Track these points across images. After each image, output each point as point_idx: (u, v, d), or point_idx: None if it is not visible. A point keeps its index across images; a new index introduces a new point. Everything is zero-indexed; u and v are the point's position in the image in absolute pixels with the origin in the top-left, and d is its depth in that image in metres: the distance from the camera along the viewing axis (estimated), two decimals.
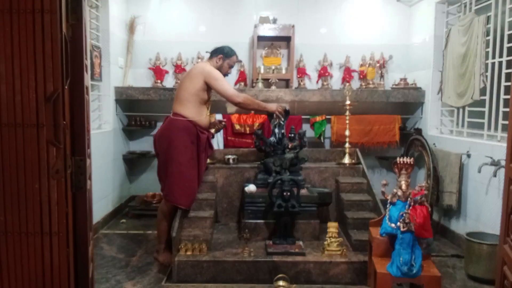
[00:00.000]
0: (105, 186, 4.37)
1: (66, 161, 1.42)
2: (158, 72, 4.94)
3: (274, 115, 3.61)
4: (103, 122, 4.53)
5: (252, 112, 4.81)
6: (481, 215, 3.52)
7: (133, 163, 5.15)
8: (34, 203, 1.38)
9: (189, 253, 3.06)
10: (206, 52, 3.57)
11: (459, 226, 3.85)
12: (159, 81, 4.92)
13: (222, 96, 3.39)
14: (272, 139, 3.69)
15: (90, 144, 1.68)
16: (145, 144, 5.14)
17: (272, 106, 3.57)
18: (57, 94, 1.33)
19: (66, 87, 1.39)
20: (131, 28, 4.95)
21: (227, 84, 3.37)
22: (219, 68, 3.39)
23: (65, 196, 1.44)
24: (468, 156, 3.71)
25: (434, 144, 4.28)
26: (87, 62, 1.61)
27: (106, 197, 4.40)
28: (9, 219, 1.40)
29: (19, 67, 1.28)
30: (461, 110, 4.09)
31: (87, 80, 1.60)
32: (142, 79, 5.07)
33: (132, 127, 4.93)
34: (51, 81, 1.31)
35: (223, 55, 3.42)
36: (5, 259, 1.43)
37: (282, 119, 3.62)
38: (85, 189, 1.57)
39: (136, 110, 5.06)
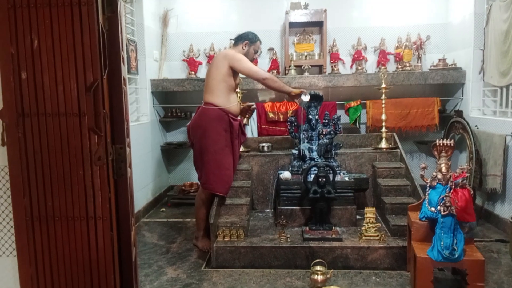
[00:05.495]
0: (144, 176, 4.51)
1: (107, 148, 1.48)
2: (191, 63, 5.01)
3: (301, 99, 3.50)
4: (141, 114, 4.66)
5: (279, 98, 4.80)
6: None
7: (170, 154, 5.27)
8: (79, 188, 1.46)
9: (227, 239, 3.12)
10: (230, 39, 3.57)
11: (504, 210, 3.70)
12: (193, 72, 4.99)
13: (248, 76, 3.43)
14: (306, 126, 3.68)
15: (129, 134, 1.74)
16: (181, 135, 5.25)
17: (295, 90, 3.49)
18: (97, 83, 1.38)
19: (104, 77, 1.44)
20: (164, 21, 5.03)
21: (251, 63, 3.39)
22: (246, 54, 3.40)
23: (107, 182, 1.51)
24: None
25: (476, 126, 4.11)
26: (124, 54, 1.66)
27: (146, 187, 4.54)
28: (56, 204, 1.48)
29: (60, 58, 1.35)
30: (504, 89, 3.91)
31: (124, 71, 1.65)
32: (176, 71, 5.16)
33: (169, 118, 5.04)
34: (91, 71, 1.37)
35: (248, 41, 3.44)
36: (53, 243, 1.52)
37: (297, 103, 3.51)
38: (126, 176, 1.63)
39: (172, 101, 5.16)
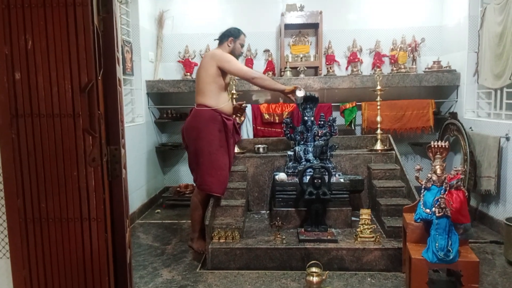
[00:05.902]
0: (139, 177, 4.49)
1: (101, 149, 1.47)
2: (187, 64, 5.00)
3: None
4: (136, 115, 4.64)
5: (274, 99, 4.80)
6: None
7: (165, 155, 5.26)
8: (73, 190, 1.45)
9: (222, 240, 3.12)
10: (215, 40, 3.55)
11: (498, 212, 3.72)
12: (188, 73, 4.99)
13: (238, 76, 3.44)
14: (301, 127, 3.68)
15: (124, 135, 1.73)
16: (176, 136, 5.24)
17: (288, 88, 3.49)
18: (91, 84, 1.37)
19: (99, 78, 1.44)
20: (160, 22, 5.02)
21: (240, 63, 3.40)
22: (233, 51, 3.41)
23: (102, 184, 1.50)
24: (507, 139, 3.56)
25: (470, 128, 4.13)
26: (119, 55, 1.65)
27: (141, 188, 4.52)
28: (50, 206, 1.47)
29: (54, 59, 1.34)
30: (498, 91, 3.93)
31: (119, 72, 1.64)
32: (172, 72, 5.15)
33: (164, 119, 5.02)
34: (85, 72, 1.36)
35: (232, 37, 3.43)
36: (47, 244, 1.51)
37: (294, 99, 3.52)
38: (120, 177, 1.62)
39: (167, 103, 5.15)
